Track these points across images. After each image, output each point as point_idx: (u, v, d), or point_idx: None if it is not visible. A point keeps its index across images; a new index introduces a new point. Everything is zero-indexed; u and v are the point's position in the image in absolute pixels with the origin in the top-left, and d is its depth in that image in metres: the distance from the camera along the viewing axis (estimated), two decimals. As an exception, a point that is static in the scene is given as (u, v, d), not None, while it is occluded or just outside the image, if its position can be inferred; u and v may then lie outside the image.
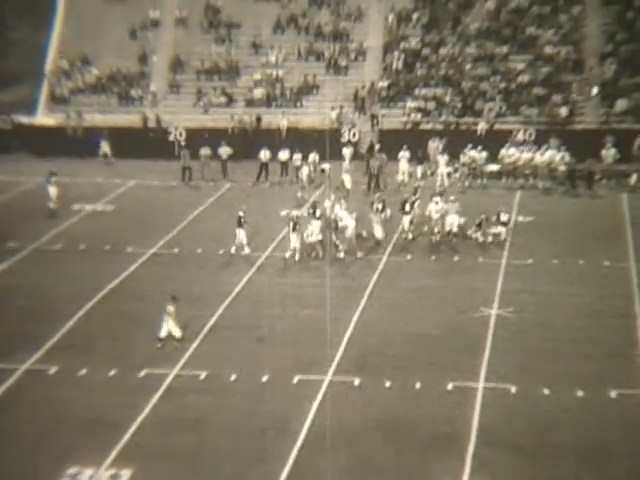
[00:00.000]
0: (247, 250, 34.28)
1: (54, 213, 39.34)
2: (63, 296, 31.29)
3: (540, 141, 44.15)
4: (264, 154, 44.74)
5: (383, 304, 30.16)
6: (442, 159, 43.37)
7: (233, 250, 34.32)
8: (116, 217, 40.14)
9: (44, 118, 52.30)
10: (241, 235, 34.31)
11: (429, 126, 48.11)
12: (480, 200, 39.79)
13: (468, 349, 26.65)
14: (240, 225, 34.33)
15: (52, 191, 39.82)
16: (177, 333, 27.30)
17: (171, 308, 27.22)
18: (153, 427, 23.23)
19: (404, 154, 43.50)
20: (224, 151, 45.38)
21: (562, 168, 42.22)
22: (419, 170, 43.42)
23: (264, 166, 44.76)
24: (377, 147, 45.04)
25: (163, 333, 27.22)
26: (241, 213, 34.46)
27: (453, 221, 34.95)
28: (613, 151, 42.72)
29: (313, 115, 49.54)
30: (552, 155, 42.66)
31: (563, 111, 47.59)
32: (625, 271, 31.00)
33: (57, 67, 54.24)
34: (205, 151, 45.44)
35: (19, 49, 61.95)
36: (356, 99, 50.11)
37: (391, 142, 44.90)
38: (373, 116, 48.60)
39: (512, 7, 52.76)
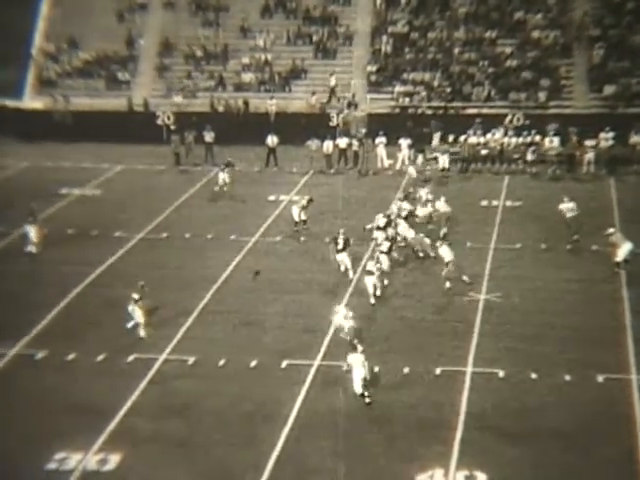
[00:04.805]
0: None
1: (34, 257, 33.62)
2: (51, 281, 31.24)
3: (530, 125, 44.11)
4: (271, 139, 44.40)
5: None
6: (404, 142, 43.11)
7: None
8: (104, 201, 40.00)
9: (31, 102, 51.99)
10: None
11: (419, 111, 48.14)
12: (469, 185, 39.88)
13: (456, 334, 26.72)
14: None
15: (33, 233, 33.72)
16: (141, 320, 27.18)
17: (137, 296, 27.17)
18: (142, 412, 23.23)
19: (381, 140, 43.45)
20: (209, 135, 45.25)
21: (552, 152, 42.26)
22: (419, 158, 42.88)
23: (272, 151, 44.49)
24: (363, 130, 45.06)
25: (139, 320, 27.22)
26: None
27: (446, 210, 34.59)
28: None
29: (302, 99, 49.42)
30: (550, 139, 42.65)
31: (541, 95, 47.65)
32: (612, 255, 30.99)
33: (44, 50, 53.88)
34: (190, 135, 45.39)
35: (5, 32, 61.38)
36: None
37: (379, 126, 44.67)
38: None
39: (500, -9, 52.70)
